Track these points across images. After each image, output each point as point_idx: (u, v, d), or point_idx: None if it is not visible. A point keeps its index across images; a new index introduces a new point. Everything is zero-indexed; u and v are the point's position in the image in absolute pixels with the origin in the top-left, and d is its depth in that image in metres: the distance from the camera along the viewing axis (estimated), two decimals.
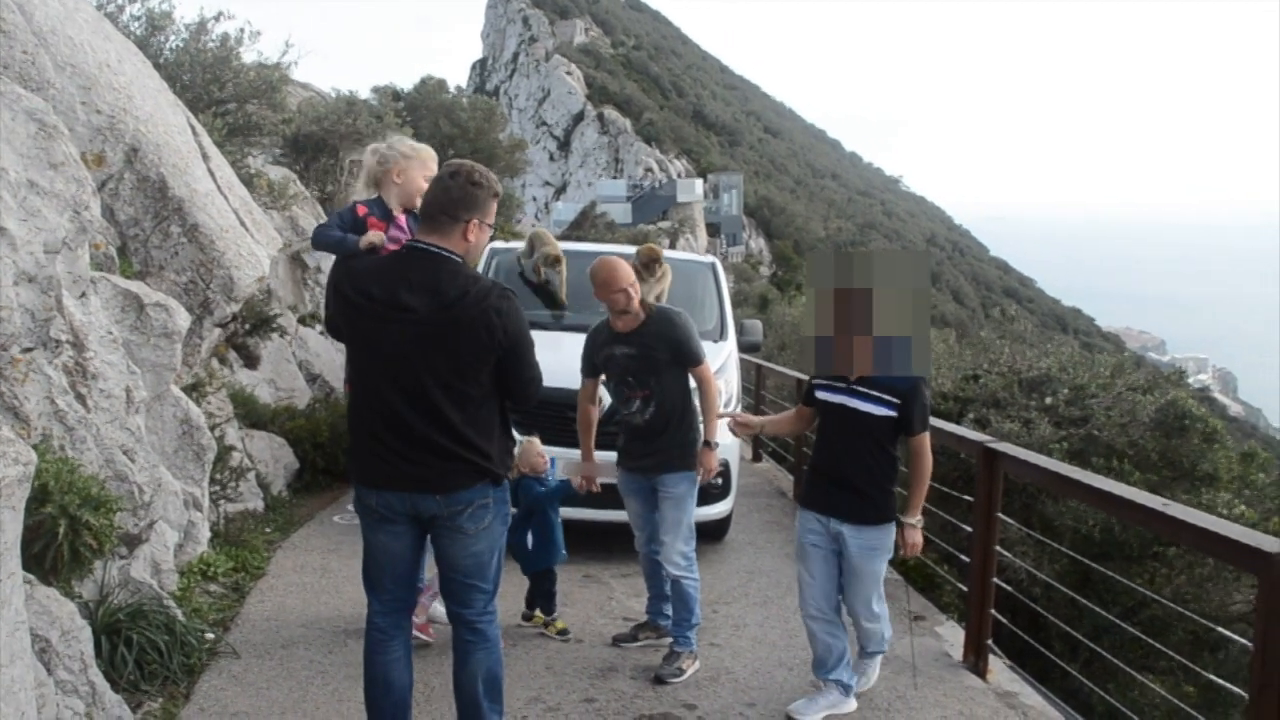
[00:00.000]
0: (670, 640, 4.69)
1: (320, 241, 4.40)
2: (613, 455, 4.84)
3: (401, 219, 4.54)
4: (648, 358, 4.57)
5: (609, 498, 5.02)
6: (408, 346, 3.10)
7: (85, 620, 3.61)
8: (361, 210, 4.42)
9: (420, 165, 4.49)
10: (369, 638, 3.38)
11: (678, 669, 4.52)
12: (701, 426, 4.68)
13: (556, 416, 5.54)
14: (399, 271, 3.17)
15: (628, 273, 4.52)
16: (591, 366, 4.77)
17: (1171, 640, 6.47)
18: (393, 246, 4.00)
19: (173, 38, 9.65)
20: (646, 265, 4.65)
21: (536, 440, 4.88)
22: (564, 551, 4.93)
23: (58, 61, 5.22)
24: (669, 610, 4.76)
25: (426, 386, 3.10)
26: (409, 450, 3.15)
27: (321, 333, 9.78)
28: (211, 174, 6.50)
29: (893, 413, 3.95)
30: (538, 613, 5.03)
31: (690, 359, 4.61)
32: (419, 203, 4.62)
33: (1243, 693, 3.12)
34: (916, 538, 4.09)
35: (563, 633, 4.94)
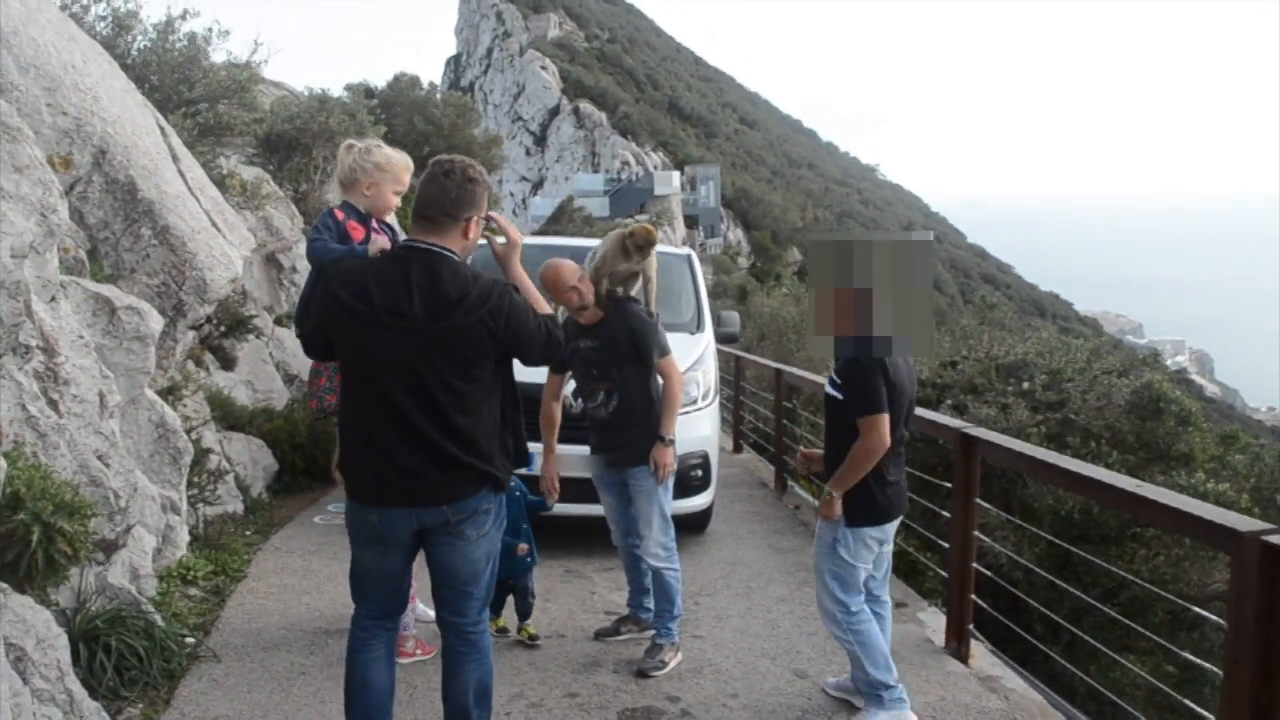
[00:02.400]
0: (652, 633, 4.70)
1: (323, 257, 3.98)
2: (585, 449, 4.83)
3: (375, 223, 4.34)
4: (610, 350, 4.57)
5: (588, 491, 5.00)
6: (409, 352, 3.04)
7: (62, 627, 3.58)
8: (339, 215, 4.23)
9: (393, 180, 4.31)
10: (351, 636, 3.32)
11: (660, 661, 4.52)
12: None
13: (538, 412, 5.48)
14: (400, 273, 3.09)
15: (572, 272, 4.51)
16: (558, 361, 4.74)
17: (1151, 621, 6.54)
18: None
19: (139, 38, 9.53)
20: (640, 248, 4.60)
21: None
22: (533, 557, 4.83)
23: (21, 63, 5.16)
24: (650, 603, 4.76)
25: (431, 391, 3.04)
26: (413, 460, 3.07)
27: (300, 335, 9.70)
28: (182, 175, 6.44)
29: (840, 395, 3.79)
30: (502, 618, 4.89)
31: (648, 354, 4.58)
32: (388, 217, 4.41)
33: (1217, 670, 3.15)
34: (829, 511, 3.85)
35: (502, 630, 4.81)
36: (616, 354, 4.57)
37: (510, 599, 4.86)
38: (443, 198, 3.13)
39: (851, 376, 3.72)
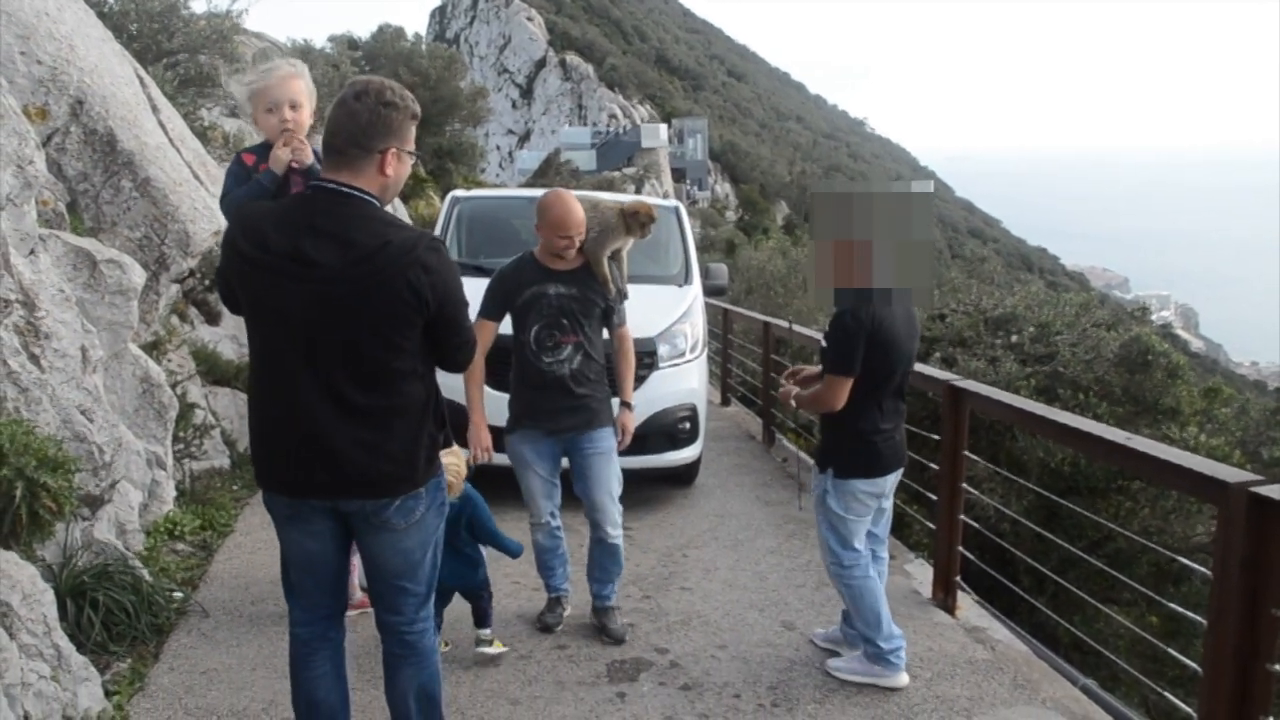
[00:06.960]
0: (602, 600, 4.50)
1: (231, 207, 3.34)
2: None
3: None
4: (586, 299, 4.27)
5: None
6: (314, 311, 2.54)
7: (48, 583, 3.56)
8: (249, 159, 3.57)
9: (261, 98, 3.46)
10: (291, 649, 2.95)
11: (625, 623, 4.47)
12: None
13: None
14: (302, 217, 2.58)
15: (580, 219, 4.18)
16: (501, 308, 4.32)
17: (1136, 572, 6.60)
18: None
19: None
20: (643, 225, 4.46)
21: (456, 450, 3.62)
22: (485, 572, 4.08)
23: None
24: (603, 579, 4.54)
25: (339, 357, 2.57)
26: (322, 447, 2.61)
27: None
28: (162, 126, 6.34)
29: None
30: (486, 634, 4.14)
31: (617, 318, 4.43)
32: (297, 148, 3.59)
33: (1201, 620, 3.18)
34: (784, 396, 3.99)
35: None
36: (591, 305, 4.28)
37: (457, 609, 4.16)
38: (351, 125, 2.58)
39: (834, 331, 3.70)
